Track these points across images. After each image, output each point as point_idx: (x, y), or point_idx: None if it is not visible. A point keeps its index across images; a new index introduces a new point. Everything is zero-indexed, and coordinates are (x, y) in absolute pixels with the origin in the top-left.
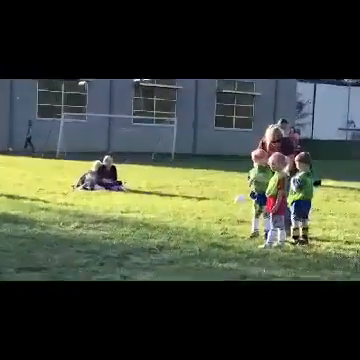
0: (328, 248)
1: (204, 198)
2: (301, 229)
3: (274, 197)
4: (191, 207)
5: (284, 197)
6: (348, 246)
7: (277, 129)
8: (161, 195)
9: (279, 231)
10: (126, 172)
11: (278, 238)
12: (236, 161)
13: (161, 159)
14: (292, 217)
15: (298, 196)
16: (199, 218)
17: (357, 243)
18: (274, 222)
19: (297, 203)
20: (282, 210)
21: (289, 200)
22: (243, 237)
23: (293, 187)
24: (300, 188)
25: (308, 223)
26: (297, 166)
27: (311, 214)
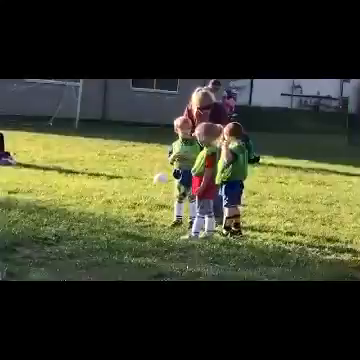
0: (265, 240)
1: (116, 176)
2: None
3: (201, 177)
4: (99, 187)
5: (213, 177)
6: (290, 238)
7: (206, 93)
8: (61, 171)
9: (207, 219)
10: (16, 141)
11: (206, 227)
12: (157, 131)
13: (62, 126)
14: (224, 203)
15: (227, 175)
16: (109, 201)
17: (300, 235)
18: (201, 207)
19: (228, 185)
20: (210, 193)
21: (217, 180)
22: (163, 226)
23: (224, 159)
24: (232, 163)
25: (240, 209)
26: (225, 139)
27: (245, 198)
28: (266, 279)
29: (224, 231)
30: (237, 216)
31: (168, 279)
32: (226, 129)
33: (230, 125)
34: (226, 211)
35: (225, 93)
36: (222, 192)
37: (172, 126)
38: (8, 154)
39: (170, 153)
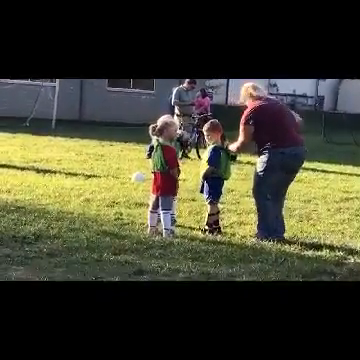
0: (244, 237)
1: (94, 176)
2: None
3: (161, 173)
4: (77, 186)
5: (174, 174)
6: None
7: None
8: (39, 171)
9: (162, 215)
10: None
11: (163, 224)
12: (134, 130)
13: (39, 126)
14: (208, 201)
15: (207, 171)
16: (87, 200)
17: None
18: (163, 204)
19: (212, 182)
20: (170, 189)
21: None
22: (142, 224)
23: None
24: (216, 162)
25: (219, 207)
26: (206, 137)
27: (223, 196)
28: (245, 275)
29: (206, 227)
30: (218, 213)
31: (148, 276)
32: (206, 126)
33: (212, 122)
34: (209, 208)
35: (199, 92)
36: (205, 189)
37: (148, 124)
38: None
39: (148, 153)
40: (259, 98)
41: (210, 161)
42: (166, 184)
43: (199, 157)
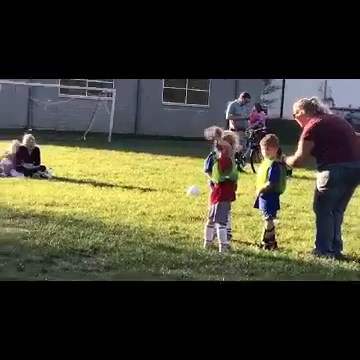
0: (301, 253)
1: (149, 189)
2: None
3: (219, 184)
4: (133, 200)
5: (228, 184)
6: None
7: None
8: (95, 185)
9: (218, 230)
10: (51, 155)
11: (219, 239)
12: (189, 144)
13: (95, 140)
14: (266, 217)
15: (267, 187)
16: (143, 214)
17: None
18: (218, 215)
19: (269, 198)
20: (227, 196)
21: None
22: (198, 238)
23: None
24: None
25: (275, 222)
26: (263, 152)
27: (279, 211)
28: None
29: (263, 243)
30: (274, 228)
31: None
32: (263, 141)
33: (268, 137)
34: (266, 224)
35: (254, 107)
36: (261, 205)
37: (203, 139)
38: (44, 168)
39: (209, 165)
40: (320, 113)
41: (272, 178)
42: (223, 192)
43: (254, 171)
